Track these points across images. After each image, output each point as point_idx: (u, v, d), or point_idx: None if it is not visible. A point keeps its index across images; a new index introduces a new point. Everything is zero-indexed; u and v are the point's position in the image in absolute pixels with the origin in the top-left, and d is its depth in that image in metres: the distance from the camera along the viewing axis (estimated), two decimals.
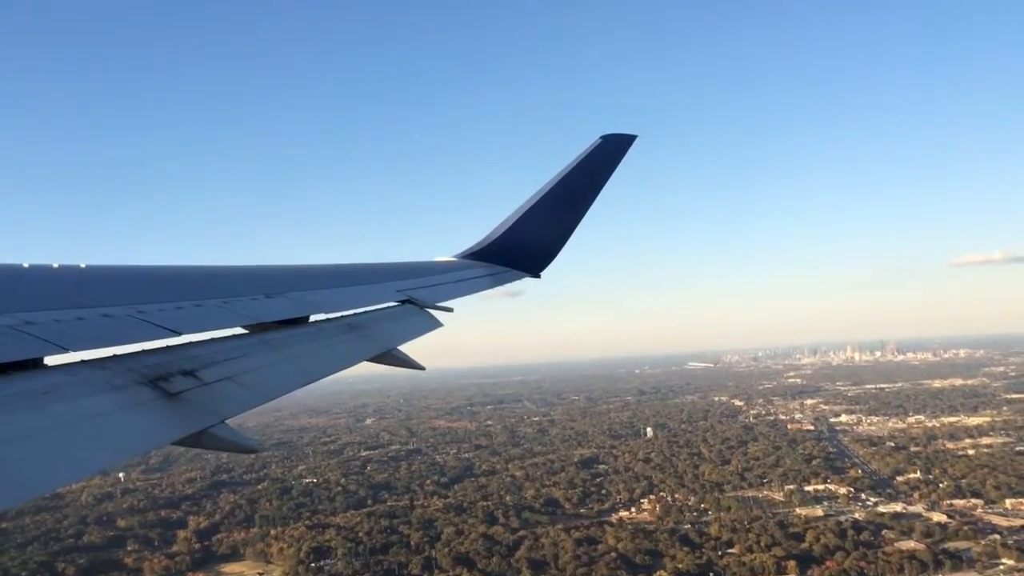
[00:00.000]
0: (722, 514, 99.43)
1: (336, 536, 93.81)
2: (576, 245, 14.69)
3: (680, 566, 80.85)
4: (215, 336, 5.97)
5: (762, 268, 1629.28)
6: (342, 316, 7.99)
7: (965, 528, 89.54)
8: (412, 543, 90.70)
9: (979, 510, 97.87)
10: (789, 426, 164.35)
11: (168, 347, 5.33)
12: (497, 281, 13.12)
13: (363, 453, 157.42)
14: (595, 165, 15.38)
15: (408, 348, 8.12)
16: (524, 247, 14.40)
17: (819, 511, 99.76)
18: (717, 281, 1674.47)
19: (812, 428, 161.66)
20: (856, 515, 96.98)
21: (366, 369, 7.58)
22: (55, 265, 6.72)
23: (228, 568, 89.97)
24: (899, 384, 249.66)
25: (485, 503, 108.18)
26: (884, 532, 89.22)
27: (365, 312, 8.49)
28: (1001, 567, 78.17)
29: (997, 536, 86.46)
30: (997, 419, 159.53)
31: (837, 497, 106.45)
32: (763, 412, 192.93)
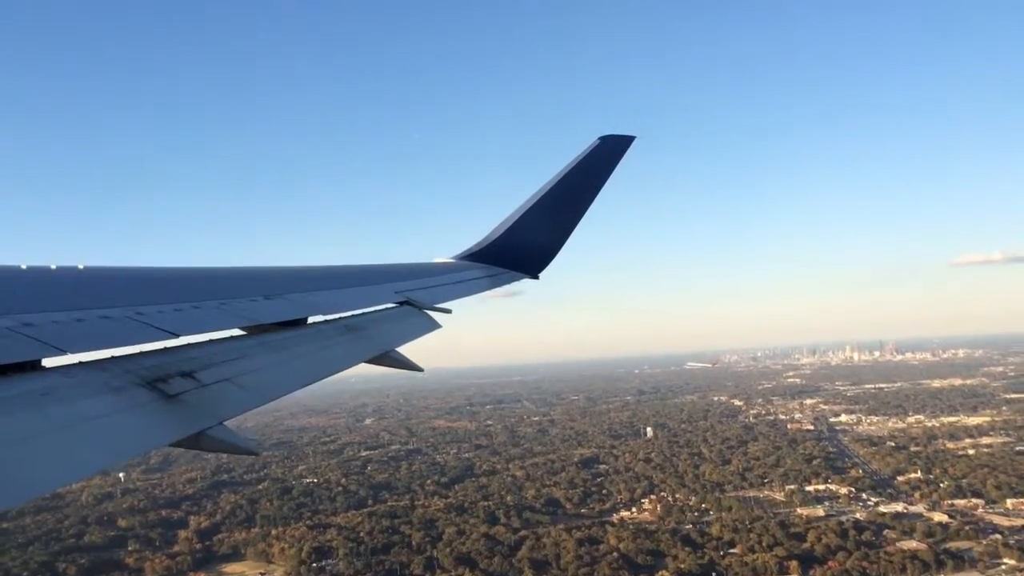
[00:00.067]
0: (723, 514, 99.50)
1: (337, 536, 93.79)
2: (574, 245, 14.74)
3: (682, 566, 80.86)
4: (213, 338, 5.96)
5: (761, 268, 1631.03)
6: (340, 318, 7.98)
7: (966, 528, 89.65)
8: (414, 543, 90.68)
9: (980, 510, 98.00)
10: (789, 426, 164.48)
11: (166, 348, 5.32)
12: (496, 282, 13.09)
13: (363, 453, 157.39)
14: (593, 166, 15.41)
15: (407, 349, 8.12)
16: (523, 248, 14.38)
17: (820, 511, 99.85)
18: (716, 281, 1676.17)
19: (812, 428, 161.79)
20: (857, 515, 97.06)
21: (365, 369, 7.62)
22: (53, 266, 6.71)
23: (229, 568, 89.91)
24: (898, 384, 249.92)
25: (486, 503, 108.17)
26: (886, 532, 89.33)
27: (363, 313, 8.48)
28: (1003, 567, 78.30)
29: (998, 536, 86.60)
30: (997, 419, 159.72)
31: (838, 497, 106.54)
32: (763, 412, 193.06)
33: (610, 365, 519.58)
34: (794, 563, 79.61)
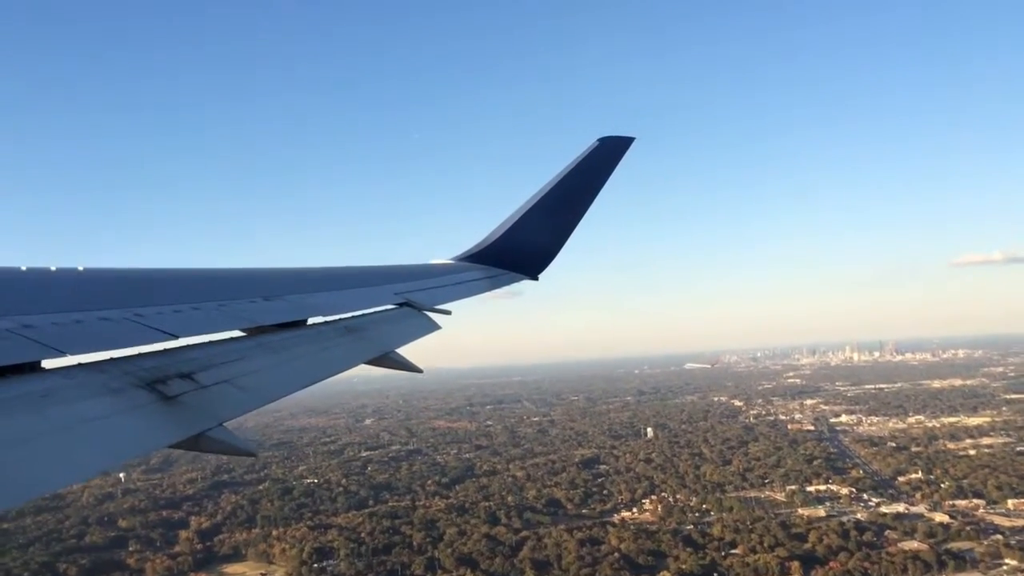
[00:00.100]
0: (724, 515, 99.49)
1: (338, 537, 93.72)
2: (574, 246, 14.76)
3: (684, 567, 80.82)
4: (213, 339, 5.93)
5: (761, 268, 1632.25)
6: (340, 319, 7.95)
7: (968, 528, 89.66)
8: (415, 544, 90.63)
9: (981, 510, 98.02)
10: (789, 426, 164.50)
11: (165, 350, 5.30)
12: (495, 284, 13.05)
13: (363, 453, 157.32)
14: (593, 167, 15.41)
15: (406, 350, 8.11)
16: (522, 249, 14.36)
17: (821, 511, 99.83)
18: (716, 281, 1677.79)
19: (812, 428, 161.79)
20: (859, 515, 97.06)
21: (366, 370, 7.62)
22: (53, 268, 6.69)
23: (230, 569, 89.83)
24: (898, 384, 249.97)
25: (487, 503, 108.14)
26: (887, 532, 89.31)
27: (363, 315, 8.44)
28: (1004, 567, 78.30)
29: (1000, 536, 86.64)
30: (997, 419, 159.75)
31: (839, 497, 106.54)
32: (763, 412, 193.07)
33: (609, 365, 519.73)
34: (796, 563, 79.48)
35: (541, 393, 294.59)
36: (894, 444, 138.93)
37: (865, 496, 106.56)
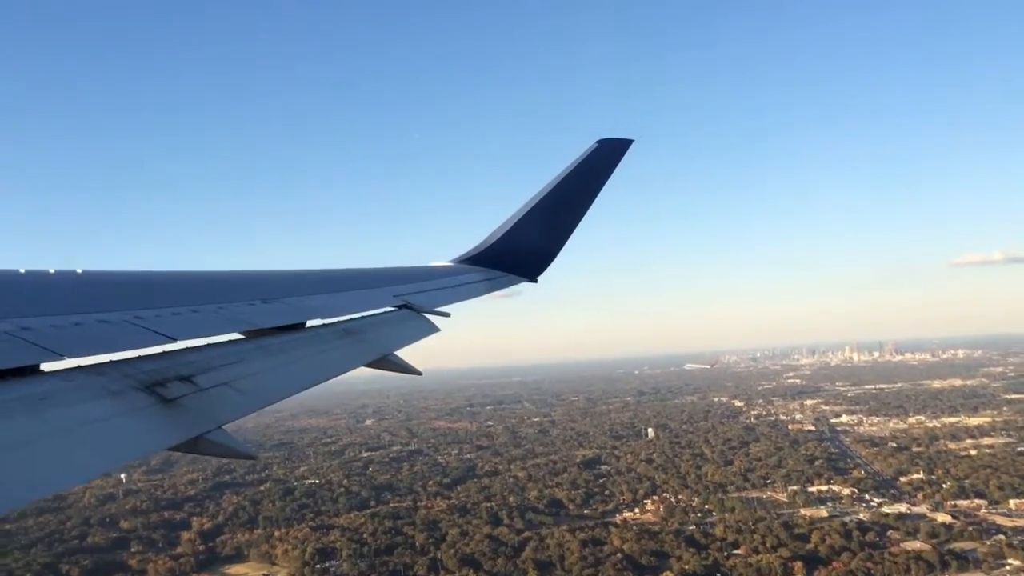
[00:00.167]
0: (726, 515, 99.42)
1: (340, 537, 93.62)
2: (572, 246, 14.80)
3: (687, 567, 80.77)
4: (212, 342, 5.93)
5: (760, 268, 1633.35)
6: (339, 321, 7.97)
7: (970, 529, 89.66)
8: (417, 544, 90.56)
9: (983, 511, 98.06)
10: (790, 427, 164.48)
11: (165, 352, 5.29)
12: (494, 286, 13.07)
13: (364, 454, 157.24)
14: (592, 169, 15.41)
15: (405, 352, 8.12)
16: (521, 251, 14.37)
17: (824, 512, 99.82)
18: (715, 282, 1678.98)
19: (813, 429, 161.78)
20: (861, 516, 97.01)
21: (365, 370, 7.59)
22: (52, 270, 6.70)
23: (233, 570, 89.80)
24: (899, 384, 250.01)
25: (489, 504, 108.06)
26: (889, 533, 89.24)
27: (362, 317, 8.45)
28: (1007, 568, 78.32)
29: (1002, 536, 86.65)
30: (998, 419, 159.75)
31: (841, 498, 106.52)
32: (763, 413, 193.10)
33: (609, 366, 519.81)
34: (799, 564, 79.49)
35: (541, 393, 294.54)
36: (895, 444, 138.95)
37: (867, 496, 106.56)
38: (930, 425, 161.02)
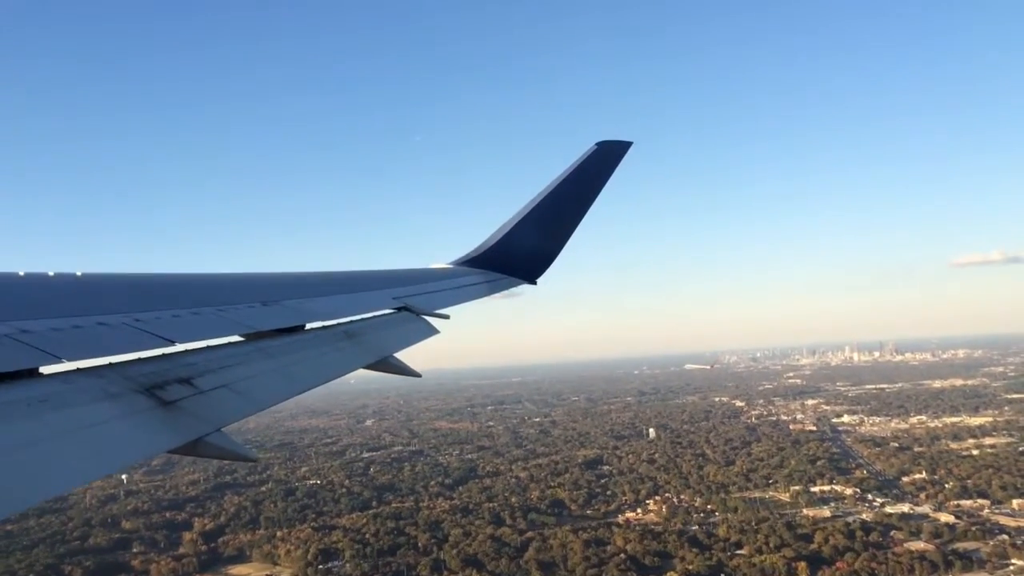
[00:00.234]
0: (729, 515, 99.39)
1: (343, 538, 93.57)
2: (572, 247, 14.92)
3: (690, 567, 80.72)
4: (211, 344, 5.94)
5: (760, 269, 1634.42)
6: (338, 324, 8.01)
7: (973, 529, 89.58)
8: (420, 545, 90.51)
9: (986, 511, 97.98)
10: (791, 427, 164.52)
11: (164, 355, 5.31)
12: (493, 288, 13.13)
13: (365, 454, 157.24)
14: (591, 172, 15.46)
15: (405, 354, 8.14)
16: (520, 254, 14.45)
17: (827, 512, 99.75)
18: (715, 282, 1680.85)
19: (815, 429, 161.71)
20: (864, 516, 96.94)
21: (366, 371, 7.63)
22: (51, 273, 6.72)
23: (235, 570, 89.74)
24: (899, 384, 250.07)
25: (491, 504, 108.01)
26: (893, 533, 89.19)
27: (361, 320, 8.49)
28: (1012, 568, 78.26)
29: (1006, 536, 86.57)
30: (999, 419, 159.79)
31: (844, 498, 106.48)
32: (764, 413, 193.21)
33: (609, 366, 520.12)
34: (802, 564, 79.46)
35: (541, 394, 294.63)
36: (897, 444, 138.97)
37: (870, 496, 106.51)
38: (932, 425, 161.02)
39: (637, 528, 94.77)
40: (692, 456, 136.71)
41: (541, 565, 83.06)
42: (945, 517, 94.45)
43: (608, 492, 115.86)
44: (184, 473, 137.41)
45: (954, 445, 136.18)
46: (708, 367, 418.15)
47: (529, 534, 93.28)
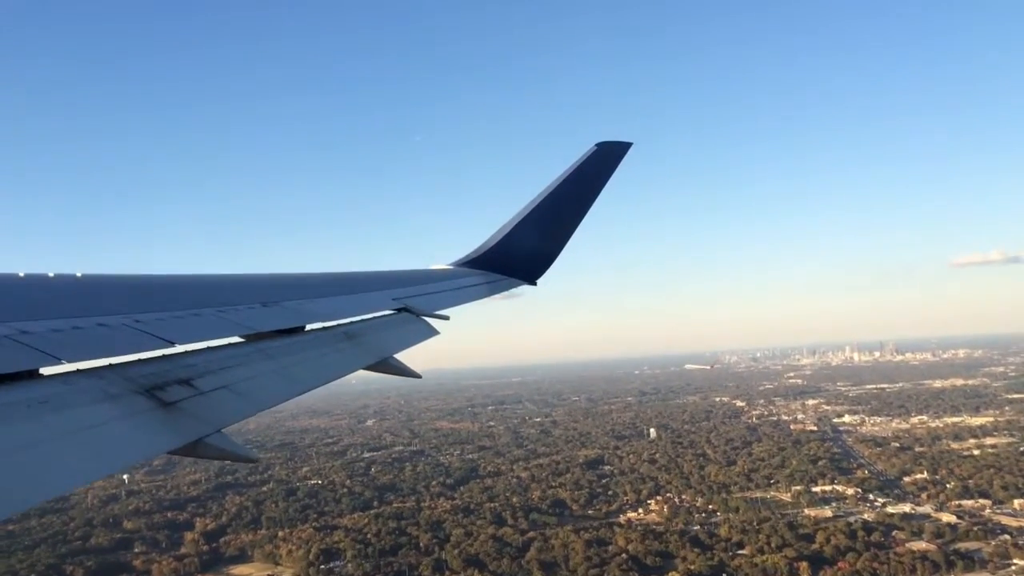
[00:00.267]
0: (731, 515, 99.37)
1: (345, 538, 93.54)
2: (572, 247, 14.95)
3: (692, 567, 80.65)
4: (211, 345, 5.97)
5: (760, 269, 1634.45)
6: (338, 325, 8.04)
7: (975, 529, 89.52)
8: (421, 545, 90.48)
9: (988, 511, 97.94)
10: (792, 427, 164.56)
11: (164, 356, 5.33)
12: (493, 289, 13.17)
13: (366, 455, 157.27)
14: (590, 173, 15.49)
15: (405, 355, 8.17)
16: (520, 255, 14.49)
17: (828, 512, 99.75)
18: (715, 282, 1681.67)
19: (815, 429, 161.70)
20: (865, 516, 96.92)
21: (366, 371, 7.67)
22: (51, 274, 6.74)
23: (237, 570, 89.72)
24: (900, 384, 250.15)
25: (492, 504, 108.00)
26: (895, 533, 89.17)
27: (361, 321, 8.52)
28: (1013, 568, 78.20)
29: (1007, 536, 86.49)
30: (1000, 419, 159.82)
31: (845, 498, 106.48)
32: (765, 413, 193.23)
33: (609, 366, 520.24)
34: (804, 564, 79.40)
35: (542, 394, 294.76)
36: (898, 444, 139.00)
37: (871, 496, 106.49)
38: (932, 425, 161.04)
39: (639, 528, 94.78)
40: (693, 456, 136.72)
41: (543, 565, 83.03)
42: (947, 517, 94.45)
43: (609, 492, 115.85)
44: (185, 473, 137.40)
45: (955, 445, 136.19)
46: (708, 367, 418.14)
47: (531, 534, 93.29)
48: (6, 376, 4.11)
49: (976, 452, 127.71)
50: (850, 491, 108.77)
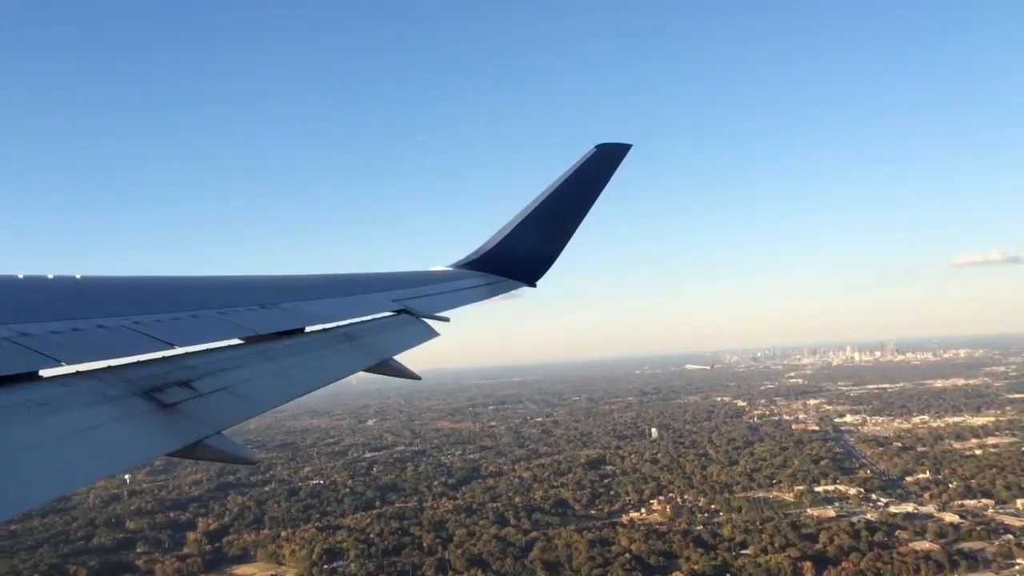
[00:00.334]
0: (733, 515, 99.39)
1: (348, 538, 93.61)
2: (572, 247, 14.88)
3: (695, 567, 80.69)
4: (211, 347, 5.98)
5: (761, 268, 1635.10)
6: (338, 326, 8.08)
7: (978, 528, 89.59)
8: (424, 545, 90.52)
9: (990, 510, 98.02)
10: (794, 426, 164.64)
11: (163, 358, 5.33)
12: (493, 291, 13.21)
13: (368, 455, 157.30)
14: (590, 174, 15.52)
15: (405, 356, 8.18)
16: (520, 256, 14.53)
17: (831, 512, 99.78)
18: (716, 282, 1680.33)
19: (817, 428, 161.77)
20: (868, 516, 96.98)
21: (365, 372, 7.70)
22: (50, 276, 6.77)
23: (240, 570, 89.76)
24: (901, 384, 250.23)
25: (494, 504, 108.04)
26: (898, 533, 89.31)
27: (361, 322, 8.54)
28: (1017, 567, 78.23)
29: (1010, 536, 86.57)
30: (1002, 419, 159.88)
31: (848, 498, 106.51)
32: (766, 412, 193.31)
33: (610, 366, 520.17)
34: (807, 564, 79.43)
35: (543, 394, 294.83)
36: (900, 444, 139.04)
37: (874, 496, 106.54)
38: (934, 425, 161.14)
39: (641, 528, 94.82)
40: (695, 456, 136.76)
41: (546, 565, 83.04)
42: (950, 517, 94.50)
43: (612, 492, 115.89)
44: (187, 473, 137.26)
45: (957, 445, 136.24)
46: (709, 367, 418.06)
47: (533, 534, 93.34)
48: (5, 378, 4.12)
49: (978, 452, 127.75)
50: (853, 491, 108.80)
